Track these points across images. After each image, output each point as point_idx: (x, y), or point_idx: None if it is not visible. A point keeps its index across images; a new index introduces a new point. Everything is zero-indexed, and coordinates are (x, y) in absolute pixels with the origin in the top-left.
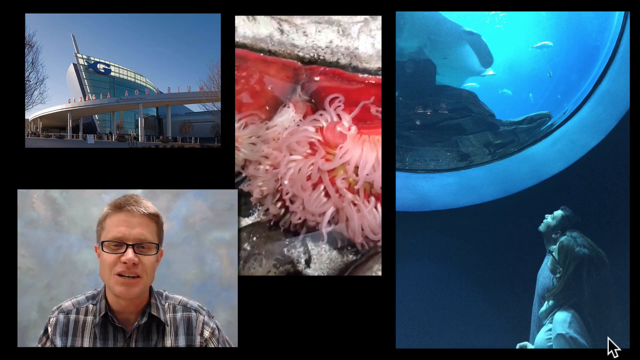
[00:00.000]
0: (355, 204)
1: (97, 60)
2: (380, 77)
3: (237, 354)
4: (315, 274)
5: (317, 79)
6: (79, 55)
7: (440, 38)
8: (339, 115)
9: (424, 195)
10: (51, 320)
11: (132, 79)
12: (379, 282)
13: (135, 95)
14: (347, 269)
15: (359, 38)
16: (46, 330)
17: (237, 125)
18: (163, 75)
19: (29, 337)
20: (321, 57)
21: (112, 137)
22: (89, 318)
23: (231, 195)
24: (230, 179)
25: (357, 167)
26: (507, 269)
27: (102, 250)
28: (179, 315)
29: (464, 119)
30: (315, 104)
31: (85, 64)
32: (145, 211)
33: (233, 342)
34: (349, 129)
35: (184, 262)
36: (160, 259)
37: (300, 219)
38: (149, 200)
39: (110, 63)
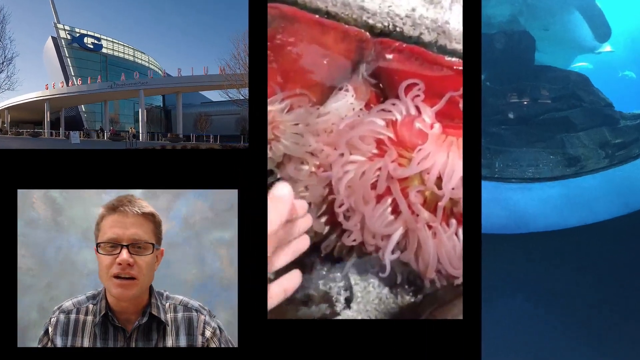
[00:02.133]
0: (430, 227)
1: (84, 32)
2: None
3: (237, 354)
4: (359, 318)
5: (389, 57)
6: (59, 25)
7: (541, 3)
8: (417, 108)
9: (519, 212)
10: (52, 320)
11: (131, 58)
12: (458, 328)
13: (135, 79)
14: (401, 313)
15: (452, 9)
16: (47, 331)
17: (280, 106)
18: (171, 52)
19: (29, 337)
20: (398, 29)
21: (103, 135)
22: (89, 318)
23: (231, 195)
24: (263, 190)
25: (439, 178)
26: (629, 309)
27: (99, 252)
28: (179, 315)
29: (572, 111)
30: (383, 90)
31: (68, 37)
32: (139, 211)
33: (233, 342)
34: (432, 127)
35: (184, 262)
36: (161, 259)
37: (355, 240)
38: (148, 200)
39: (102, 36)
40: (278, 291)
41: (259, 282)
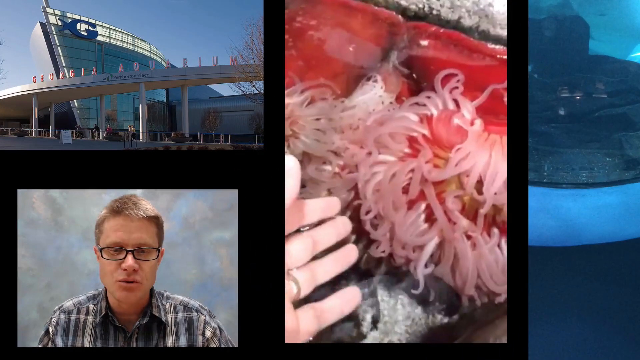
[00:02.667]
0: (469, 237)
1: (77, 17)
2: None
3: (237, 354)
4: (386, 341)
5: (424, 43)
6: (49, 10)
7: None
8: (456, 102)
9: (571, 222)
10: (52, 320)
11: (130, 46)
12: (502, 352)
13: (135, 70)
14: (434, 335)
15: None
16: (47, 330)
17: (299, 98)
18: (176, 40)
19: (29, 337)
20: (434, 12)
21: (99, 134)
22: (90, 318)
23: (231, 195)
24: (280, 195)
25: (480, 182)
26: None
27: (102, 256)
28: (180, 315)
29: (631, 107)
30: (416, 81)
31: (59, 23)
32: (144, 215)
33: (233, 342)
34: (472, 123)
35: (184, 262)
36: (161, 259)
37: (383, 252)
38: (148, 200)
39: (97, 22)
40: (336, 309)
41: (259, 282)
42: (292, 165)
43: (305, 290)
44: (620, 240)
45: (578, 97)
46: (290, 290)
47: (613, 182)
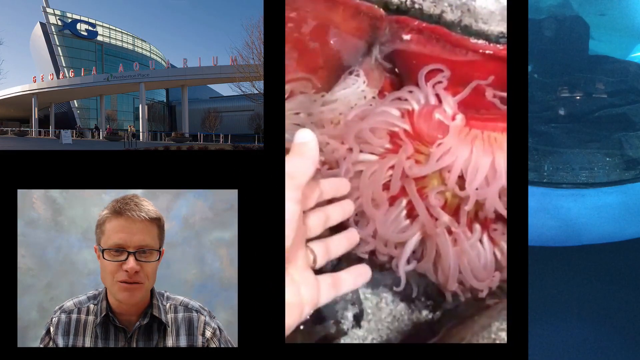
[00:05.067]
0: (451, 232)
1: (77, 17)
2: (504, 46)
3: (237, 354)
4: (369, 339)
5: (406, 37)
6: (49, 10)
7: None
8: (438, 97)
9: (571, 222)
10: (53, 320)
11: (130, 46)
12: (503, 353)
13: (135, 70)
14: (417, 332)
15: None
16: (48, 330)
17: None
18: (176, 40)
19: (29, 337)
20: (417, 6)
21: (99, 134)
22: (90, 318)
23: (231, 195)
24: (280, 196)
25: (461, 177)
26: None
27: (103, 257)
28: (180, 315)
29: (631, 107)
30: (399, 76)
31: (59, 23)
32: (146, 216)
33: (233, 342)
34: (453, 118)
35: (184, 262)
36: (161, 258)
37: (366, 252)
38: (148, 200)
39: (97, 22)
40: (349, 281)
41: (259, 282)
42: (310, 137)
43: (321, 261)
44: (620, 240)
45: (578, 97)
46: (309, 259)
47: (613, 182)
